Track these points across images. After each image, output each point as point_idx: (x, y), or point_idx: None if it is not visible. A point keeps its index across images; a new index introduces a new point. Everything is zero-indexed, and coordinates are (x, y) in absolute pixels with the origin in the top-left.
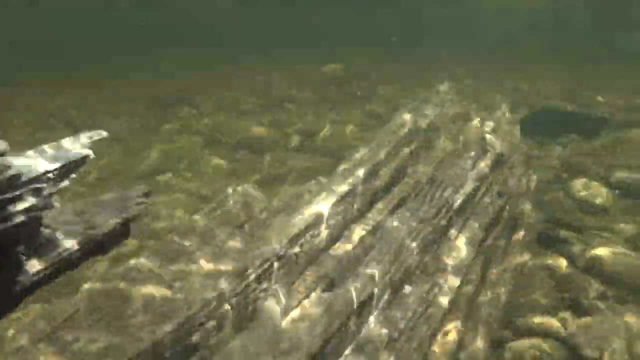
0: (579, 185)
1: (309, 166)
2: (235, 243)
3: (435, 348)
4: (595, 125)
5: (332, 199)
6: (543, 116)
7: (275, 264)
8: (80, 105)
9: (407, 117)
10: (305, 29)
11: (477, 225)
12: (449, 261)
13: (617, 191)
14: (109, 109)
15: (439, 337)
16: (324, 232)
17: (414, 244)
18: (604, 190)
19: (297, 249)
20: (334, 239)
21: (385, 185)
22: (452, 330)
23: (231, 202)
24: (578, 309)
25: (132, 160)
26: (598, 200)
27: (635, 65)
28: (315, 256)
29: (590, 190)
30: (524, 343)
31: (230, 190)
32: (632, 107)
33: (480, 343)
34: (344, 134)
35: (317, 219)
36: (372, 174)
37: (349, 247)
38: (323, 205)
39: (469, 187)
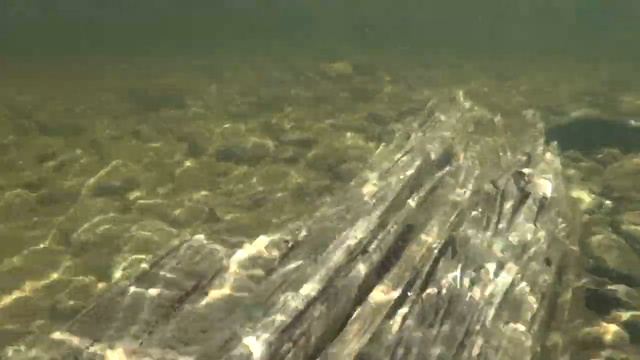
0: (630, 217)
1: (302, 184)
2: None
3: None
4: (638, 136)
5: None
6: (575, 126)
7: None
8: (57, 103)
9: (414, 142)
10: None
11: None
12: None
13: None
14: (89, 107)
15: None
16: None
17: None
18: None
19: None
20: None
21: (375, 269)
22: None
23: (173, 262)
24: None
25: (104, 171)
26: None
27: None
28: None
29: None
30: None
31: (176, 243)
32: None
33: None
34: (344, 143)
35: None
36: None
37: None
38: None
39: (508, 271)
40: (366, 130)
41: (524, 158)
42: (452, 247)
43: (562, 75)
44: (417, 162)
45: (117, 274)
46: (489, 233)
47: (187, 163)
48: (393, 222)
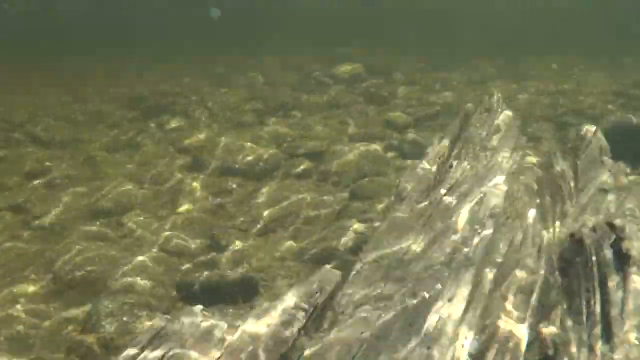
0: None
1: (318, 204)
2: None
3: None
4: None
5: None
6: (615, 133)
7: None
8: (52, 111)
9: (459, 175)
10: None
11: None
12: None
13: None
14: (86, 116)
15: None
16: None
17: None
18: None
19: None
20: None
21: None
22: None
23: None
24: None
25: (98, 191)
26: None
27: None
28: None
29: None
30: None
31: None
32: None
33: None
34: (361, 154)
35: None
36: None
37: None
38: None
39: None
40: (383, 138)
41: (604, 198)
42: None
43: (585, 74)
44: (488, 229)
45: (104, 322)
46: (596, 341)
47: (189, 180)
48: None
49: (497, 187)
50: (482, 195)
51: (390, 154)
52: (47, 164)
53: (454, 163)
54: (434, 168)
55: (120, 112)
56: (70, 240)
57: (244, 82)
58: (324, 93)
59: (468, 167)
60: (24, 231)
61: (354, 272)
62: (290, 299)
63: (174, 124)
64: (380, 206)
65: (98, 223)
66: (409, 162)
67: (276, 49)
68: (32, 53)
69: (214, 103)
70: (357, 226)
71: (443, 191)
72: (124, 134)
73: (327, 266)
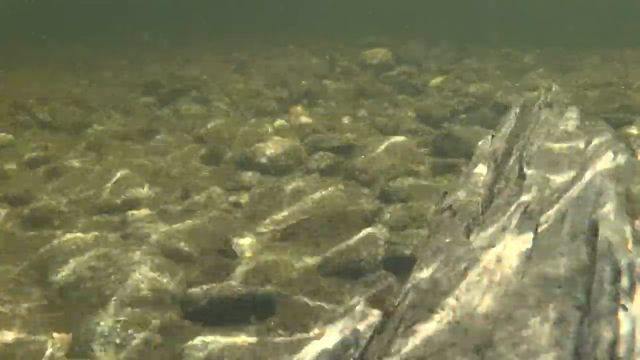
0: None
1: (345, 206)
2: None
3: None
4: None
5: None
6: None
7: None
8: (62, 94)
9: (534, 192)
10: None
11: None
12: None
13: None
14: (99, 101)
15: None
16: None
17: None
18: None
19: None
20: None
21: None
22: None
23: None
24: None
25: (103, 183)
26: None
27: None
28: None
29: None
30: None
31: None
32: None
33: None
34: (392, 150)
35: None
36: None
37: None
38: None
39: None
40: (416, 133)
41: None
42: None
43: (631, 67)
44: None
45: (95, 345)
46: None
47: (204, 172)
48: None
49: (608, 215)
50: (588, 220)
51: (424, 150)
52: (52, 151)
53: (526, 171)
54: (489, 175)
55: (135, 97)
56: (66, 239)
57: (266, 69)
58: (351, 81)
59: (546, 177)
60: (18, 226)
61: (408, 324)
62: (319, 357)
63: (190, 111)
64: (414, 211)
65: (99, 220)
66: (449, 161)
67: (298, 35)
68: (44, 37)
69: (234, 90)
70: (388, 234)
71: (514, 209)
72: (137, 120)
73: (361, 306)
